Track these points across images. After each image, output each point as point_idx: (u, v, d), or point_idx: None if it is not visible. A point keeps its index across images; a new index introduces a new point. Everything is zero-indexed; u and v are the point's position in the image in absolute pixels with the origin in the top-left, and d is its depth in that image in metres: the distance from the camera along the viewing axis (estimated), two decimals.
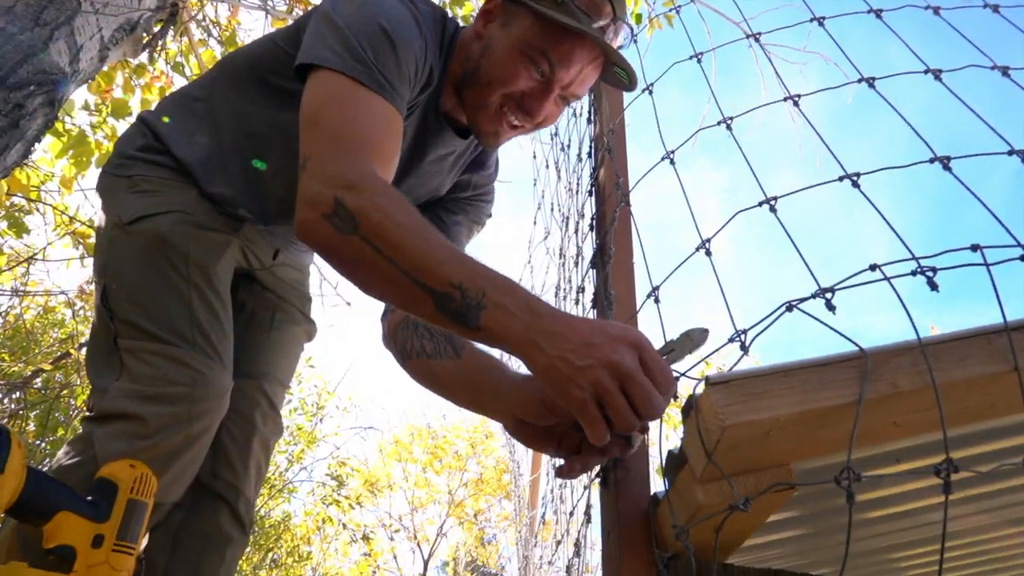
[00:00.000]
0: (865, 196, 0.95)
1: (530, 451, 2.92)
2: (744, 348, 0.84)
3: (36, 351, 3.38)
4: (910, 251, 0.81)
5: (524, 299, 0.75)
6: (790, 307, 0.82)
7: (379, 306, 1.24)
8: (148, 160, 1.19)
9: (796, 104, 1.15)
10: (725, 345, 0.87)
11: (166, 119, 1.24)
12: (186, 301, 1.09)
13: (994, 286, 0.78)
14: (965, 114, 1.11)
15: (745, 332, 0.85)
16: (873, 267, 0.82)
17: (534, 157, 2.32)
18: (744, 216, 0.99)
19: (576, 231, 1.55)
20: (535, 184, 2.34)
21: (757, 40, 1.34)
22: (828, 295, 0.80)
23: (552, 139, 2.14)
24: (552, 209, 2.03)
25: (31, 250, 2.55)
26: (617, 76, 1.11)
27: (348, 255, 0.80)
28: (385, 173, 0.89)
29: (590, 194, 1.47)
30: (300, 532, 8.11)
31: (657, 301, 1.07)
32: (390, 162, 0.92)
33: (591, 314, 1.26)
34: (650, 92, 1.37)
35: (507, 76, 1.04)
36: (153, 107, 1.34)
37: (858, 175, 0.96)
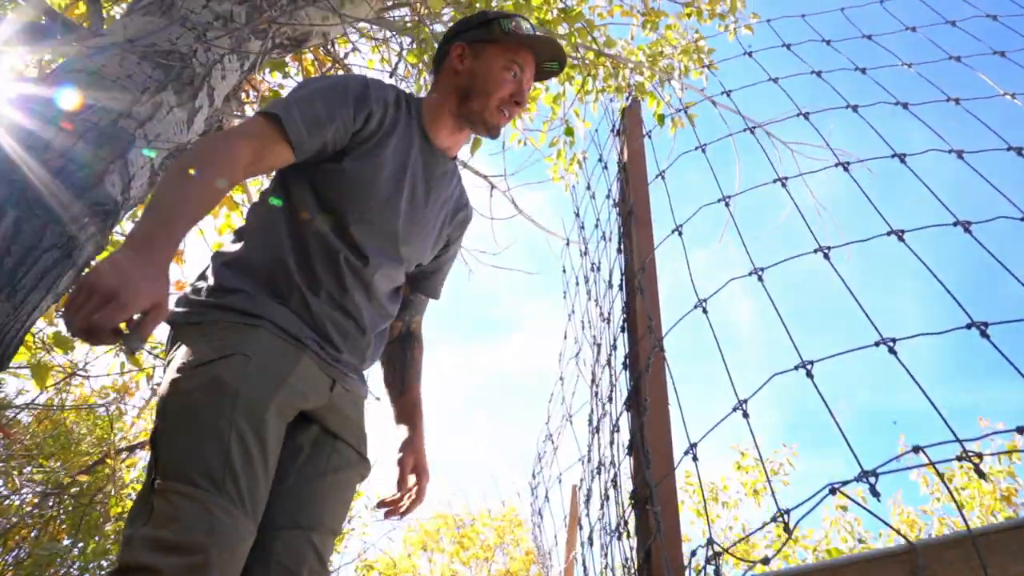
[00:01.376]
0: (901, 363, 0.95)
1: (562, 559, 2.84)
2: (788, 531, 0.82)
3: (74, 452, 3.42)
4: (953, 433, 0.81)
5: (147, 230, 1.08)
6: (833, 490, 0.81)
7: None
8: (215, 304, 1.27)
9: (827, 256, 1.16)
10: (768, 524, 0.86)
11: (232, 255, 1.36)
12: (224, 443, 1.10)
13: None
14: (986, 195, 1.12)
15: (788, 512, 0.83)
16: (916, 449, 0.81)
17: (564, 271, 2.36)
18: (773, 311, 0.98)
19: (609, 363, 1.56)
20: (564, 296, 2.36)
21: (784, 184, 1.37)
22: (871, 479, 0.79)
23: (582, 257, 2.17)
24: (583, 327, 2.05)
25: (71, 360, 2.64)
26: (547, 69, 1.59)
27: None
28: (246, 154, 1.26)
29: (623, 330, 1.48)
30: None
31: (695, 459, 1.06)
32: (250, 150, 1.27)
33: (628, 460, 1.25)
34: (680, 233, 1.40)
35: (499, 84, 1.50)
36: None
37: (894, 340, 0.96)
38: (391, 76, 3.81)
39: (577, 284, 2.19)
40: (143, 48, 2.19)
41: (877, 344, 0.98)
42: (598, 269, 1.96)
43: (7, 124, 1.81)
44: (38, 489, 2.95)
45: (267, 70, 3.56)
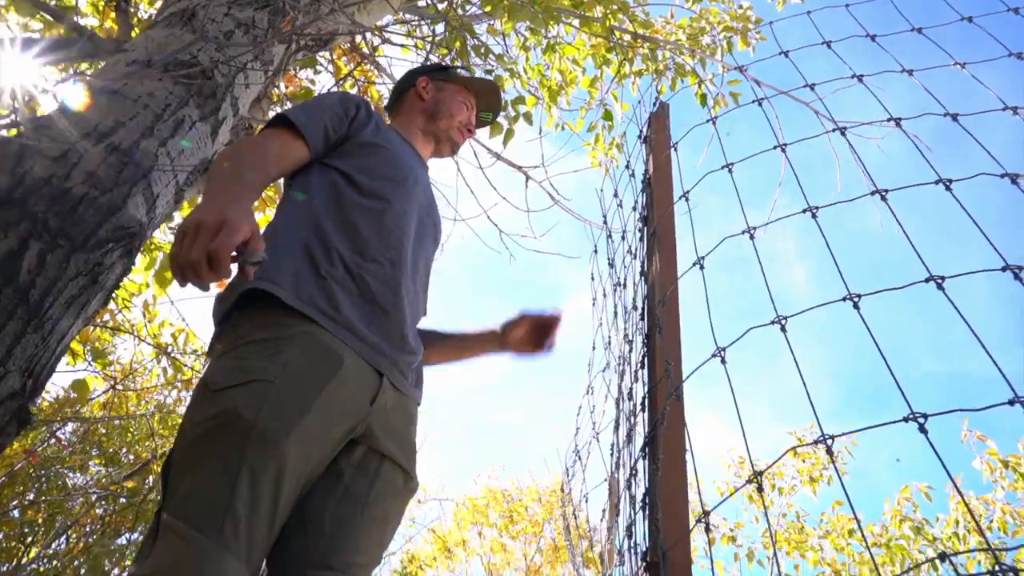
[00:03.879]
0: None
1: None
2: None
3: (127, 449, 3.57)
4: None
5: (226, 175, 1.22)
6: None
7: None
8: (249, 314, 1.22)
9: (856, 306, 1.08)
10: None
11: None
12: (231, 481, 1.05)
13: None
14: None
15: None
16: (942, 556, 0.74)
17: (592, 279, 2.28)
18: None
19: (630, 395, 1.50)
20: (593, 304, 2.30)
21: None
22: (829, 441, 0.72)
23: (610, 268, 2.10)
24: (609, 343, 1.98)
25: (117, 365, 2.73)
26: (483, 119, 1.95)
27: None
28: (272, 150, 1.39)
29: (642, 365, 1.42)
30: None
31: (708, 529, 1.01)
32: (274, 146, 1.40)
33: (640, 514, 1.20)
34: (701, 267, 1.32)
35: (457, 111, 1.81)
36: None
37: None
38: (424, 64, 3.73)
39: (604, 296, 2.12)
40: (164, 63, 2.18)
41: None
42: (624, 286, 1.89)
43: (30, 151, 1.83)
44: (91, 491, 3.09)
45: (297, 67, 3.54)
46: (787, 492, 6.52)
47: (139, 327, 2.66)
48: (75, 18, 2.50)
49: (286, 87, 3.72)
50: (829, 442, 0.90)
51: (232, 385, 1.12)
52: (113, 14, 2.95)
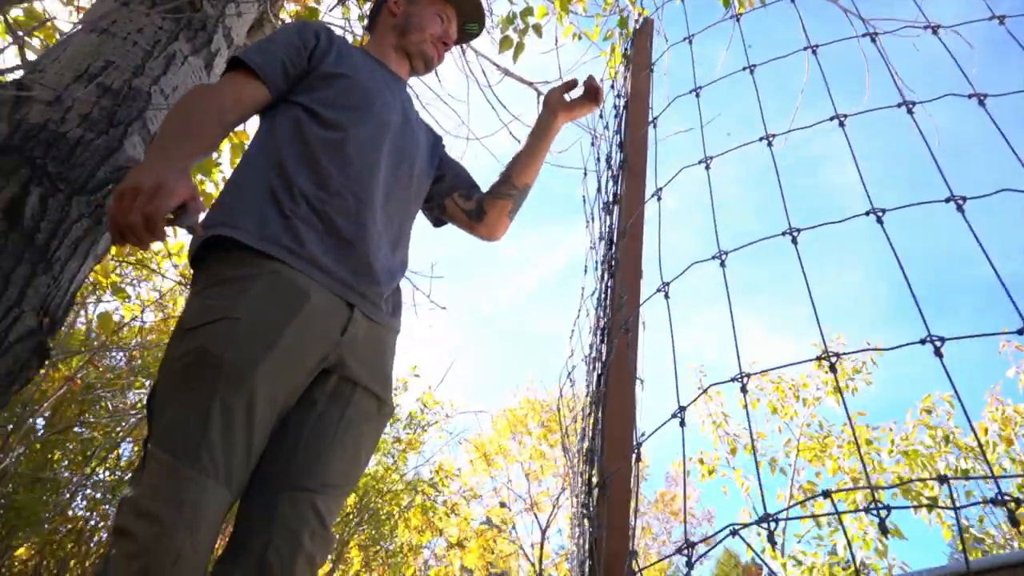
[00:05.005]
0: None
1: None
2: (689, 564, 0.82)
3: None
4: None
5: (167, 136, 1.24)
6: (733, 532, 0.79)
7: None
8: (220, 256, 1.27)
9: (793, 241, 1.07)
10: (674, 554, 0.85)
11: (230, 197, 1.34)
12: (205, 415, 1.13)
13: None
14: None
15: (693, 546, 0.82)
16: (825, 494, 0.77)
17: (584, 201, 2.27)
18: None
19: (598, 327, 1.53)
20: (587, 226, 2.30)
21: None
22: (771, 524, 0.76)
23: (597, 193, 2.09)
24: (597, 268, 2.00)
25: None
26: (468, 31, 1.86)
27: None
28: (227, 97, 1.38)
29: (603, 296, 1.44)
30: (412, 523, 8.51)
31: (639, 459, 1.05)
32: (230, 93, 1.39)
33: (597, 440, 1.25)
34: (659, 198, 1.31)
35: (430, 24, 1.73)
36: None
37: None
38: None
39: (592, 220, 2.12)
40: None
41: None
42: (607, 212, 1.88)
43: (25, 97, 1.87)
44: (131, 412, 3.34)
45: None
46: (811, 403, 6.57)
47: (160, 260, 2.79)
48: None
49: (296, 5, 3.66)
50: (744, 380, 0.93)
51: (202, 324, 1.19)
52: None
